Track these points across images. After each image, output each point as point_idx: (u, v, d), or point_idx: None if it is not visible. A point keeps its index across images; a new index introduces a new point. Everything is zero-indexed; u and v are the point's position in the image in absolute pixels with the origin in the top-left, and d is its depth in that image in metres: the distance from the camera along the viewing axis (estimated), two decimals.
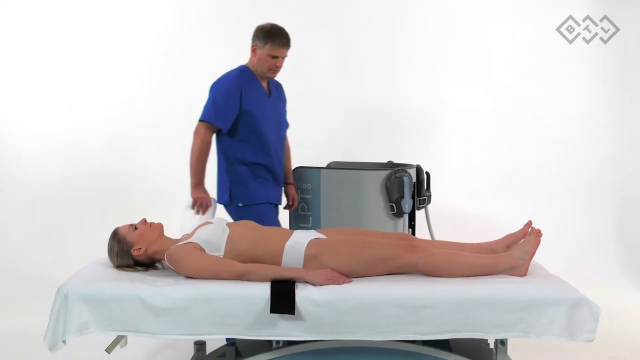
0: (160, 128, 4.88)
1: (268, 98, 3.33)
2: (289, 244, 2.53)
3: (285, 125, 3.50)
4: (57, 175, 4.79)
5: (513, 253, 2.57)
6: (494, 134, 4.94)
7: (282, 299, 2.26)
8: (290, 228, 3.57)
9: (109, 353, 2.56)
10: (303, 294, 2.31)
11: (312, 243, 2.53)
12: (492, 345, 2.63)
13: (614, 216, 4.89)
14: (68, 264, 3.07)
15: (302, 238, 2.57)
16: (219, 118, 3.19)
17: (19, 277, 4.33)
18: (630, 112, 4.88)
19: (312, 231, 2.69)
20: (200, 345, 2.99)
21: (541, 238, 2.60)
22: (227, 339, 2.74)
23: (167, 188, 4.75)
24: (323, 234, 2.66)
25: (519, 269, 2.54)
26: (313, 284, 2.37)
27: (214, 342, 3.00)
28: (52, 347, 2.33)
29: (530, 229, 2.66)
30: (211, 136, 3.22)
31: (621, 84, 4.87)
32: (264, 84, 3.32)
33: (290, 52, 4.86)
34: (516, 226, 4.64)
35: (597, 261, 4.70)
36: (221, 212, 3.26)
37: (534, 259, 2.85)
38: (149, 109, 4.89)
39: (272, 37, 3.18)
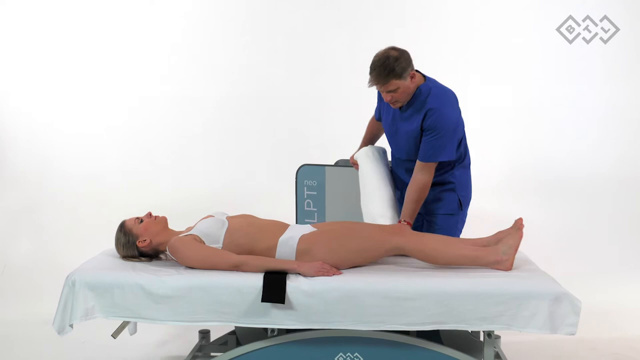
0: (173, 128, 4.99)
1: (399, 116, 3.05)
2: (282, 238, 2.65)
3: (407, 144, 3.06)
4: (78, 173, 4.93)
5: (498, 248, 2.65)
6: (507, 133, 4.96)
7: (273, 289, 2.38)
8: (296, 223, 3.67)
9: (115, 338, 2.71)
10: (293, 285, 2.42)
11: (303, 238, 2.64)
12: (482, 338, 2.70)
13: (631, 215, 4.88)
14: (85, 255, 3.18)
15: (295, 233, 2.68)
16: (377, 110, 3.34)
17: (39, 267, 4.50)
18: (630, 112, 4.87)
19: (308, 225, 2.79)
20: (204, 334, 3.15)
21: (523, 231, 2.68)
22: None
23: (177, 185, 4.89)
24: (317, 227, 2.76)
25: (504, 264, 2.62)
26: (304, 276, 2.48)
27: (218, 331, 3.16)
28: (60, 331, 2.48)
29: (514, 223, 2.73)
30: (372, 121, 3.40)
31: (621, 84, 4.85)
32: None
33: (305, 50, 4.96)
34: (532, 224, 4.71)
35: (612, 260, 4.67)
36: None
37: (525, 253, 2.97)
38: (164, 109, 5.00)
39: (370, 73, 2.86)
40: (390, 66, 2.77)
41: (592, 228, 4.81)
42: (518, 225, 2.69)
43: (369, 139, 3.44)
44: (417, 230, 3.10)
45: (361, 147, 3.40)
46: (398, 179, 3.24)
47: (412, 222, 2.98)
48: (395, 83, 2.81)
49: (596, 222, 4.82)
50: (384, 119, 3.18)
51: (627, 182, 4.83)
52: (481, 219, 4.69)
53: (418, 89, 2.94)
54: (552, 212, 4.87)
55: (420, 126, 2.94)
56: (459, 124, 3.00)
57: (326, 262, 2.56)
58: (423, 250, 2.64)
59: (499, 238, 2.74)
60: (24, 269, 4.52)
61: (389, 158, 3.34)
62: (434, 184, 3.07)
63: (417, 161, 2.98)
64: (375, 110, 3.33)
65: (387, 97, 2.88)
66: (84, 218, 4.79)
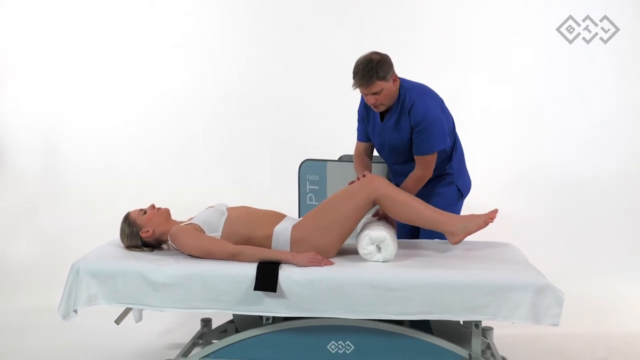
0: (178, 125, 5.11)
1: (380, 127, 3.12)
2: (277, 228, 2.75)
3: (400, 152, 3.13)
4: (92, 168, 5.06)
5: (458, 222, 2.76)
6: (507, 133, 5.01)
7: (266, 278, 2.47)
8: (299, 217, 3.76)
9: (118, 324, 2.81)
10: (285, 274, 2.51)
11: (295, 226, 2.74)
12: None
13: (633, 213, 4.92)
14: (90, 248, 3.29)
15: (288, 223, 2.78)
16: (358, 131, 3.32)
17: (52, 257, 4.62)
18: (630, 112, 4.89)
19: (301, 218, 2.87)
20: (206, 322, 3.27)
21: (489, 224, 2.76)
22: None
23: (183, 179, 5.02)
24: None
25: (454, 237, 2.75)
26: (297, 266, 2.57)
27: (220, 320, 3.26)
28: (65, 316, 2.60)
29: (489, 212, 2.80)
30: (359, 148, 3.29)
31: (621, 84, 4.87)
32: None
33: (310, 46, 5.03)
34: (533, 222, 4.75)
35: (614, 258, 4.71)
36: None
37: (513, 243, 3.07)
38: (169, 107, 5.12)
39: (353, 77, 2.90)
40: (373, 68, 2.84)
41: (595, 226, 4.86)
42: (488, 215, 2.77)
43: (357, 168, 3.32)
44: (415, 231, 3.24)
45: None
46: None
47: None
48: (379, 84, 2.87)
49: (599, 220, 4.86)
50: (370, 130, 3.21)
51: (628, 180, 4.87)
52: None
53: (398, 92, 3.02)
54: (556, 209, 4.92)
55: (410, 127, 3.01)
56: (443, 110, 3.07)
57: (320, 242, 2.68)
58: (389, 202, 2.74)
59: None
60: (33, 262, 4.65)
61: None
62: (434, 178, 3.14)
63: (416, 157, 3.04)
64: (358, 134, 3.31)
65: (371, 100, 2.93)
66: (89, 214, 4.91)
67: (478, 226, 2.76)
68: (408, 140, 3.05)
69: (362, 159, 3.29)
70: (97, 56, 5.08)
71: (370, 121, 3.19)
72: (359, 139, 3.30)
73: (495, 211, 2.79)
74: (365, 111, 3.19)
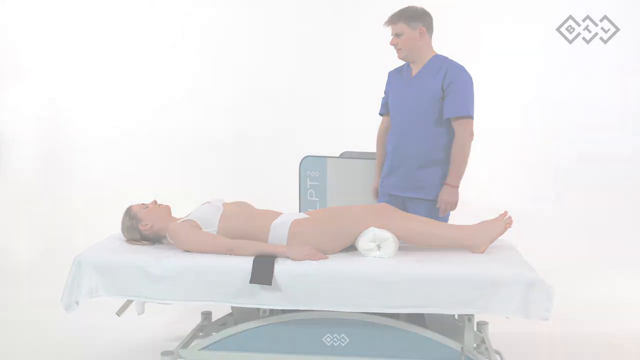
0: (184, 123, 5.20)
1: (408, 82, 3.18)
2: (274, 223, 2.79)
3: (419, 109, 3.14)
4: (92, 167, 5.16)
5: (477, 233, 2.79)
6: (505, 131, 5.04)
7: (262, 271, 2.52)
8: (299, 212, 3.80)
9: (119, 316, 2.88)
10: (280, 267, 2.56)
11: (295, 222, 2.78)
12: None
13: (630, 211, 4.96)
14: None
15: (286, 218, 2.82)
16: (382, 104, 3.42)
17: (52, 255, 4.70)
18: (630, 112, 4.90)
19: (301, 213, 2.93)
20: (206, 315, 3.32)
21: (509, 228, 2.80)
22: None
23: (187, 175, 5.10)
24: (308, 214, 2.91)
25: (479, 248, 2.79)
26: (293, 259, 2.61)
27: (220, 313, 3.32)
28: (67, 308, 2.66)
29: (505, 217, 2.84)
30: (383, 123, 3.43)
31: (621, 84, 4.88)
32: (415, 67, 3.18)
33: (311, 43, 5.06)
34: (540, 222, 4.78)
35: (621, 254, 4.73)
36: None
37: (509, 239, 3.07)
38: (173, 105, 5.21)
39: None
40: (405, 11, 3.05)
41: (595, 223, 4.89)
42: (506, 219, 2.81)
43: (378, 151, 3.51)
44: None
45: (378, 167, 3.46)
46: (396, 154, 3.27)
47: (457, 184, 3.11)
48: (401, 27, 3.04)
49: (598, 218, 4.89)
50: (394, 90, 3.25)
51: (627, 179, 4.90)
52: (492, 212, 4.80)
53: (434, 56, 3.13)
54: (554, 206, 4.96)
55: (441, 85, 3.07)
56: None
57: (317, 245, 2.70)
58: (406, 232, 2.77)
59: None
60: (34, 260, 4.74)
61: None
62: (423, 166, 3.17)
63: (453, 121, 3.07)
64: (381, 106, 3.41)
65: (393, 41, 3.10)
66: (89, 212, 4.99)
67: (499, 233, 2.81)
68: (432, 99, 3.08)
69: (383, 140, 3.42)
70: (98, 56, 5.16)
71: (397, 77, 3.26)
72: (381, 111, 3.44)
73: (506, 213, 2.84)
74: (392, 76, 3.30)
